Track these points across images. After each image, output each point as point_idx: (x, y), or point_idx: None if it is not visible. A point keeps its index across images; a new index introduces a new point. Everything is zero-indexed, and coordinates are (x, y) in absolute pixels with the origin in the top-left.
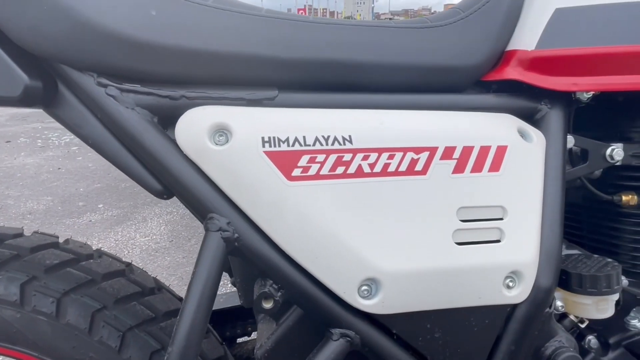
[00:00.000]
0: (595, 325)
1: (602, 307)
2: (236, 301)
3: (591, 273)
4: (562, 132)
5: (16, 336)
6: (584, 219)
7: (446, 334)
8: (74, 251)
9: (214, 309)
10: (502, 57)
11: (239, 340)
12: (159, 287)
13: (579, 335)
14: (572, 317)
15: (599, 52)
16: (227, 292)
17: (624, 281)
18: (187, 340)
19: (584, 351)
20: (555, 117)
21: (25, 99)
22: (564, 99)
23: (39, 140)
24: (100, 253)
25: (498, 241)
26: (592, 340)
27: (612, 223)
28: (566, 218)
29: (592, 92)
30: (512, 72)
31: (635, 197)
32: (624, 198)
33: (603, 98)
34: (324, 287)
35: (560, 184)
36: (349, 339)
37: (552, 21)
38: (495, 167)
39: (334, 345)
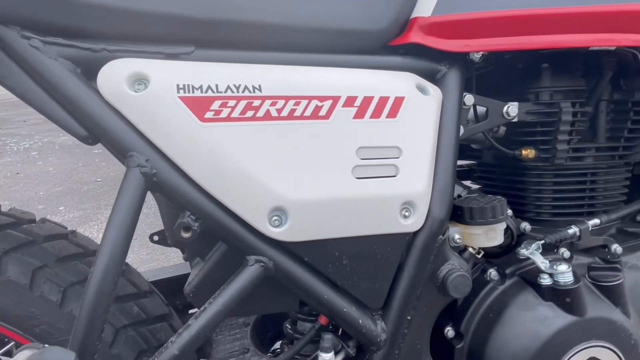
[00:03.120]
0: (495, 260)
1: (491, 236)
2: (187, 270)
3: (479, 206)
4: (459, 89)
5: None
6: (497, 176)
7: (353, 261)
8: (16, 216)
9: (163, 277)
10: (407, 24)
11: (191, 310)
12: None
13: (482, 270)
14: (470, 249)
15: (486, 16)
16: (178, 263)
17: (518, 222)
18: (106, 269)
19: (485, 282)
20: (452, 76)
21: None
22: (460, 60)
23: None
24: (43, 220)
25: (394, 176)
26: (492, 272)
27: (517, 177)
28: (483, 175)
29: (481, 52)
30: (414, 37)
31: (534, 151)
32: (523, 152)
33: (504, 64)
34: (237, 217)
35: (454, 133)
36: (262, 264)
37: None
38: (393, 114)
39: (250, 270)
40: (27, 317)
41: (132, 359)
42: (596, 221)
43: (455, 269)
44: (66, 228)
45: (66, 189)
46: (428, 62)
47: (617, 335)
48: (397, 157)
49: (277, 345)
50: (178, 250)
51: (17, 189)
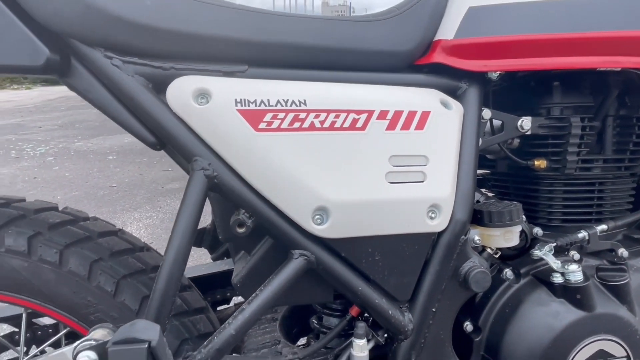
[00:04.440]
0: (510, 262)
1: (508, 237)
2: (216, 269)
3: (497, 210)
4: (478, 104)
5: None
6: (511, 184)
7: (384, 257)
8: (72, 214)
9: (195, 275)
10: (431, 45)
11: (219, 307)
12: (147, 247)
13: (499, 270)
14: (488, 250)
15: (503, 40)
16: (207, 262)
17: (533, 228)
18: (174, 260)
19: (502, 281)
20: (472, 92)
21: (46, 69)
22: (479, 78)
23: (13, 152)
24: (95, 218)
25: (422, 182)
26: (508, 272)
27: (530, 185)
28: (497, 183)
29: (499, 72)
30: (437, 57)
31: (545, 161)
32: (536, 163)
33: (518, 81)
34: (285, 216)
35: (474, 144)
36: (306, 257)
37: (466, 16)
38: (420, 126)
39: (295, 263)
40: (84, 306)
41: (176, 347)
42: (604, 227)
43: (476, 266)
44: (115, 226)
45: (83, 194)
46: (450, 80)
47: (623, 330)
48: (425, 165)
49: (304, 340)
50: (203, 250)
51: (35, 192)
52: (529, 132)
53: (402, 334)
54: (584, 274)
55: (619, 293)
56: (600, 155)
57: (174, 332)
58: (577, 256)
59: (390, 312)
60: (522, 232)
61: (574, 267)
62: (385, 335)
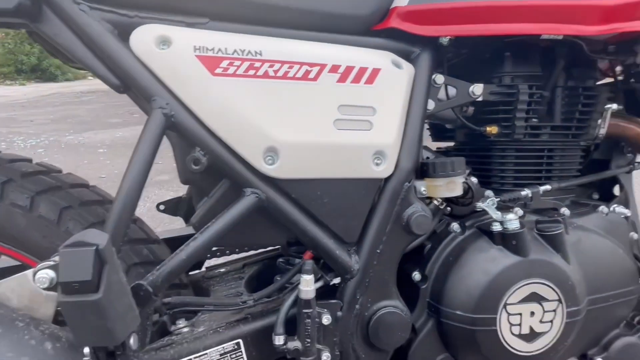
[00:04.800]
0: (458, 214)
1: (451, 187)
2: (188, 231)
3: (440, 161)
4: (429, 67)
5: None
6: (468, 152)
7: (332, 200)
8: (46, 166)
9: (168, 237)
10: (389, 12)
11: (191, 272)
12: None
13: (447, 224)
14: (435, 202)
15: (453, 6)
16: (182, 226)
17: (473, 179)
18: (128, 191)
19: (449, 234)
20: (424, 56)
21: (17, 11)
22: (431, 43)
23: (3, 144)
24: (69, 173)
25: (368, 130)
26: (454, 225)
27: (485, 152)
28: (458, 153)
29: (448, 37)
30: (393, 22)
31: (496, 127)
32: (488, 129)
33: (476, 51)
34: (237, 155)
35: (422, 103)
36: (257, 195)
37: None
38: (370, 81)
39: (246, 200)
40: (53, 250)
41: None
42: (547, 187)
43: (418, 211)
44: (88, 182)
45: None
46: (404, 44)
47: (556, 275)
48: (372, 115)
49: None
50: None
51: None
52: (480, 99)
53: (349, 274)
54: (520, 222)
55: (554, 242)
56: (549, 122)
57: (138, 279)
58: (520, 212)
59: (337, 252)
60: (469, 188)
61: (511, 216)
62: (334, 277)
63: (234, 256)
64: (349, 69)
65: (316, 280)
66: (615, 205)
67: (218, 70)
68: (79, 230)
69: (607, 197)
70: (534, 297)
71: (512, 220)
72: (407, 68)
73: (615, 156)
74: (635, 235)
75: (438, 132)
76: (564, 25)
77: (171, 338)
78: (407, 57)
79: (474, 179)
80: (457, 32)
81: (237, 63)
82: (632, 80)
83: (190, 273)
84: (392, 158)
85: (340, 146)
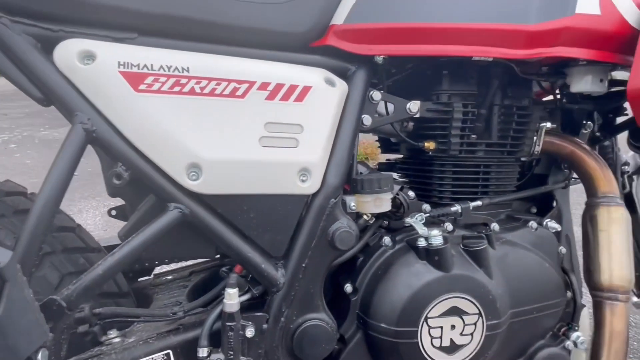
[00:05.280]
0: (395, 227)
1: (378, 204)
2: None
3: (367, 177)
4: (364, 85)
5: None
6: (410, 165)
7: (259, 215)
8: None
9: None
10: (328, 29)
11: (140, 279)
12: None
13: (380, 237)
14: (365, 216)
15: (386, 26)
16: None
17: (410, 193)
18: (45, 203)
19: (380, 246)
20: (360, 74)
21: None
22: (367, 61)
23: None
24: (7, 180)
25: (294, 147)
26: (386, 239)
27: (425, 166)
28: (402, 166)
29: (382, 56)
30: (330, 40)
31: (433, 143)
32: (426, 144)
33: (416, 69)
34: (161, 170)
35: (354, 120)
36: (180, 210)
37: (357, 3)
38: (300, 99)
39: (169, 215)
40: None
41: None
42: (478, 203)
43: (342, 227)
44: (26, 189)
45: (41, 181)
46: (341, 61)
47: (477, 290)
48: (299, 133)
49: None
50: None
51: None
52: (417, 115)
53: (275, 287)
54: (445, 238)
55: (477, 258)
56: (484, 139)
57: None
58: (450, 227)
59: (263, 266)
60: (401, 202)
61: (435, 232)
62: (262, 290)
63: (183, 263)
64: (278, 87)
65: (244, 293)
66: (547, 220)
67: (142, 87)
68: (11, 239)
69: (547, 211)
70: (455, 311)
71: (436, 237)
72: (340, 86)
73: (553, 172)
74: (563, 250)
75: (386, 145)
76: (492, 48)
77: (100, 349)
78: (344, 74)
79: (411, 193)
80: (390, 51)
81: (162, 79)
82: (564, 100)
83: (139, 279)
84: (318, 175)
85: (264, 163)
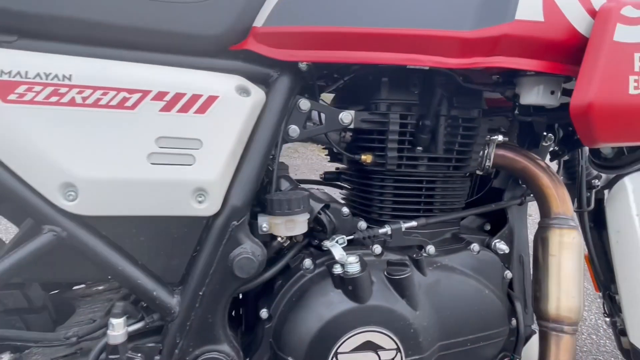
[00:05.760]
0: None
1: (290, 226)
2: None
3: (277, 198)
4: (287, 94)
5: None
6: (351, 178)
7: (150, 239)
8: None
9: None
10: (249, 32)
11: (75, 287)
12: None
13: (301, 260)
14: (279, 238)
15: (309, 30)
16: None
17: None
18: None
19: (299, 270)
20: (282, 81)
21: None
22: (290, 68)
23: None
24: None
25: (190, 165)
26: (306, 262)
27: (365, 180)
28: (345, 177)
29: (306, 63)
30: (249, 44)
31: (371, 156)
32: (362, 157)
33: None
34: (34, 190)
35: (270, 133)
36: (55, 233)
37: (278, 4)
38: (202, 110)
39: (42, 237)
40: None
41: None
42: (413, 224)
43: (244, 252)
44: None
45: None
46: (261, 67)
47: (395, 322)
48: (197, 149)
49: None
50: None
51: None
52: (352, 126)
53: (169, 316)
54: (363, 265)
55: (400, 286)
56: (428, 153)
57: None
58: (378, 250)
59: (155, 293)
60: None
61: (351, 258)
62: (158, 318)
63: None
64: (178, 97)
65: (136, 322)
66: (496, 240)
67: (12, 97)
68: None
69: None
70: (369, 346)
71: (352, 264)
72: (256, 95)
73: (511, 187)
74: (509, 274)
75: (333, 153)
76: (426, 56)
77: None
78: (265, 81)
79: (344, 210)
80: (314, 57)
81: (37, 88)
82: (516, 112)
83: (74, 287)
84: (218, 195)
85: (152, 182)
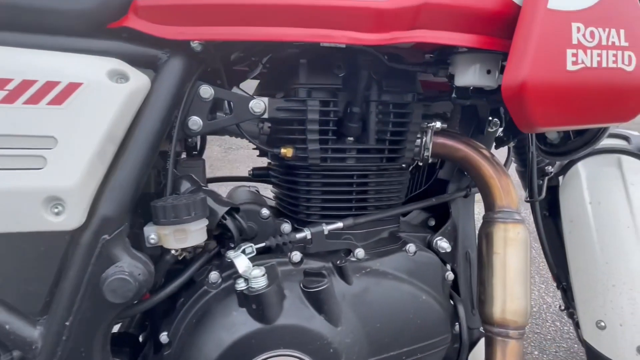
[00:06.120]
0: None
1: (180, 237)
2: None
3: (161, 204)
4: (179, 80)
5: None
6: (278, 175)
7: (1, 262)
8: None
9: None
10: (129, 6)
11: None
12: None
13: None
14: (173, 251)
15: (201, 3)
16: None
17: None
18: None
19: (203, 285)
20: (173, 64)
21: None
22: (183, 48)
23: None
24: None
25: (39, 169)
26: (212, 275)
27: (291, 177)
28: (274, 174)
29: (199, 42)
30: (129, 20)
31: (292, 149)
32: (282, 151)
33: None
34: None
35: (155, 127)
36: None
37: None
38: (59, 101)
39: None
40: None
41: None
42: (338, 225)
43: (118, 272)
44: None
45: None
46: (147, 48)
47: (310, 344)
48: (50, 148)
49: None
50: None
51: None
52: (265, 116)
53: (29, 353)
54: (270, 279)
55: (315, 301)
56: (357, 144)
57: None
58: (297, 257)
59: (8, 327)
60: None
61: (256, 272)
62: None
63: None
64: (25, 85)
65: None
66: (438, 237)
67: None
68: None
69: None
70: None
71: (257, 278)
72: (137, 81)
73: (455, 178)
74: (451, 275)
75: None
76: (337, 31)
77: None
78: (153, 64)
79: (264, 211)
80: (206, 35)
81: None
82: (454, 96)
83: None
84: (80, 204)
85: None
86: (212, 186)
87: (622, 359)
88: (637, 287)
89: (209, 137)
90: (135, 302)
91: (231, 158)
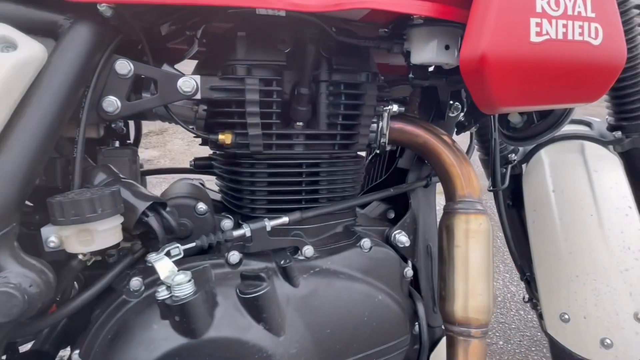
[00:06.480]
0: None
1: (85, 239)
2: None
3: (58, 200)
4: (86, 51)
5: None
6: (219, 164)
7: None
8: None
9: None
10: None
11: None
12: None
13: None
14: (80, 256)
15: None
16: None
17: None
18: None
19: (121, 295)
20: (78, 33)
21: None
22: (89, 13)
23: None
24: None
25: None
26: (133, 282)
27: (234, 167)
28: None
29: (107, 4)
30: None
31: (230, 135)
32: (220, 137)
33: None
34: None
35: (56, 108)
36: None
37: None
38: None
39: None
40: None
41: None
42: (284, 220)
43: (1, 284)
44: None
45: None
46: (43, 12)
47: (247, 358)
48: None
49: None
50: None
51: None
52: (198, 96)
53: None
54: (197, 285)
55: (253, 308)
56: (306, 130)
57: None
58: (235, 258)
59: None
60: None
61: (180, 277)
62: None
63: None
64: None
65: None
66: (396, 231)
67: None
68: None
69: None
70: None
71: (181, 285)
72: (27, 50)
73: (415, 167)
74: (409, 272)
75: None
76: None
77: None
78: (52, 31)
79: (200, 206)
80: None
81: None
82: (412, 76)
83: None
84: None
85: None
86: (152, 180)
87: (586, 352)
88: (601, 277)
89: (172, 129)
90: (30, 318)
91: (194, 151)
